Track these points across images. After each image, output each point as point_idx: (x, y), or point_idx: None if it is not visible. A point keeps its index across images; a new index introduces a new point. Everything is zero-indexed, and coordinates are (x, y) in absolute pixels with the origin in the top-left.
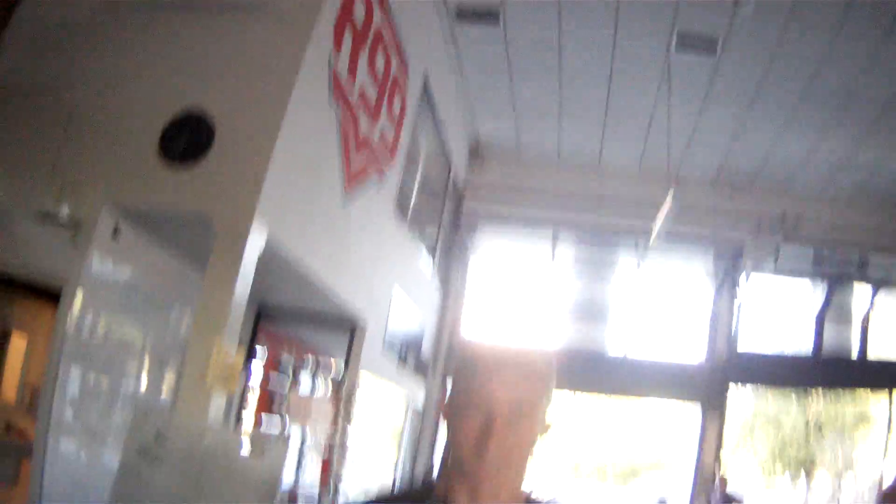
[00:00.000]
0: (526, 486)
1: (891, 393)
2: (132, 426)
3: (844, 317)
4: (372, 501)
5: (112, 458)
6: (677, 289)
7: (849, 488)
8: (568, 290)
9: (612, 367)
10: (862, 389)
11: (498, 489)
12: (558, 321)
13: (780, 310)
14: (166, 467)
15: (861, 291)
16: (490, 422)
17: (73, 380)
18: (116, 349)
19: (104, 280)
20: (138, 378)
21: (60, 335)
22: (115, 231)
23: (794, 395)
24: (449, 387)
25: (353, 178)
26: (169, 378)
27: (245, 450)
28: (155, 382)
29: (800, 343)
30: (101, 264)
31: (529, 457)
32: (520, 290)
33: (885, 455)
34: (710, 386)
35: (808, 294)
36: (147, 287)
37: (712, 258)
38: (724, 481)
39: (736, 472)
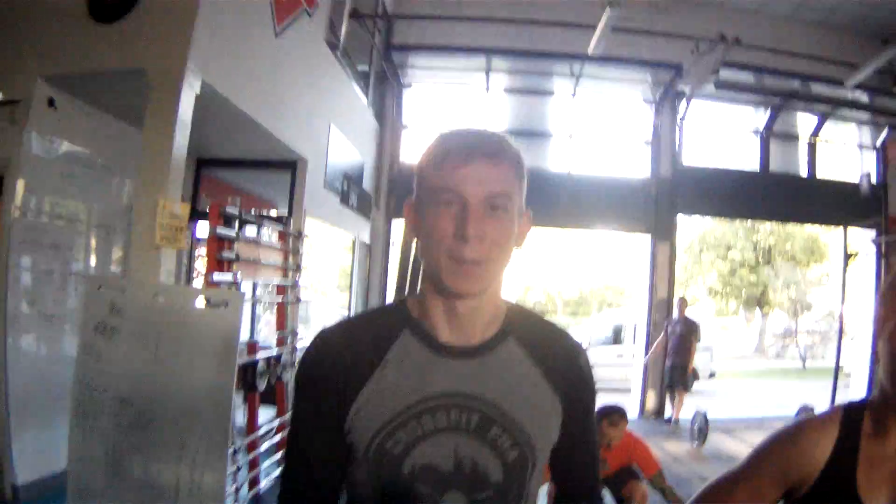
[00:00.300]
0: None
1: (845, 229)
2: (85, 303)
3: (790, 140)
4: (345, 319)
5: (72, 341)
6: (616, 112)
7: (803, 323)
8: (505, 115)
9: (557, 184)
10: (812, 222)
11: (481, 283)
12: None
13: (724, 134)
14: (124, 337)
15: (805, 119)
16: (466, 207)
17: (24, 267)
18: (65, 227)
19: (46, 155)
20: (89, 253)
21: (6, 222)
22: (51, 102)
23: (742, 223)
24: (414, 186)
25: (283, 12)
26: (119, 248)
27: (199, 304)
28: (105, 254)
29: (745, 164)
30: (41, 139)
31: (511, 246)
32: (455, 119)
33: (841, 292)
34: (658, 208)
35: (751, 119)
36: (89, 155)
37: (650, 81)
38: (683, 301)
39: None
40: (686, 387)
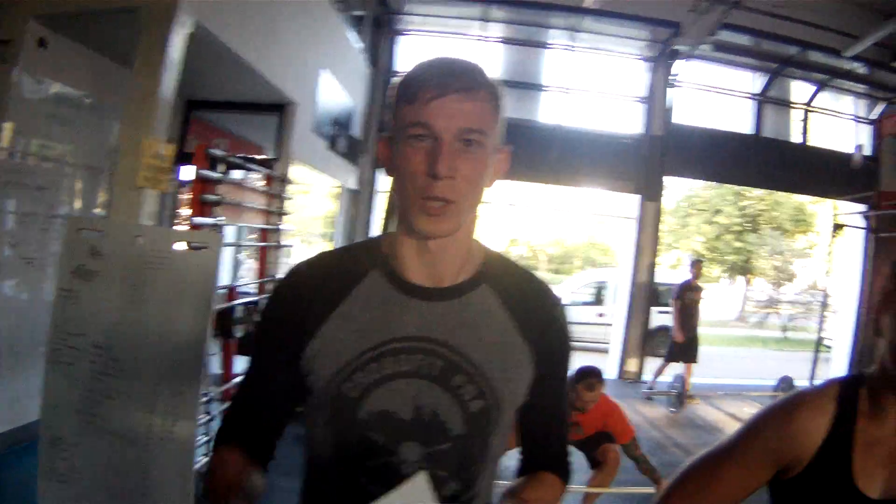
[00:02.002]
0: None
1: (834, 200)
2: (64, 245)
3: (785, 107)
4: (318, 254)
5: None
6: (611, 67)
7: (787, 293)
8: (499, 66)
9: (547, 138)
10: (801, 192)
11: (451, 223)
12: None
13: (718, 96)
14: (102, 280)
15: (801, 87)
16: (438, 143)
17: (8, 210)
18: (52, 168)
19: (35, 96)
20: (74, 195)
21: None
22: (41, 42)
23: (731, 188)
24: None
25: None
26: (105, 190)
27: (180, 247)
28: (91, 197)
29: (738, 128)
30: (31, 80)
31: (484, 185)
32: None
33: (827, 264)
34: (647, 168)
35: (747, 83)
36: (79, 95)
37: (647, 38)
38: (698, 265)
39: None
40: (696, 359)
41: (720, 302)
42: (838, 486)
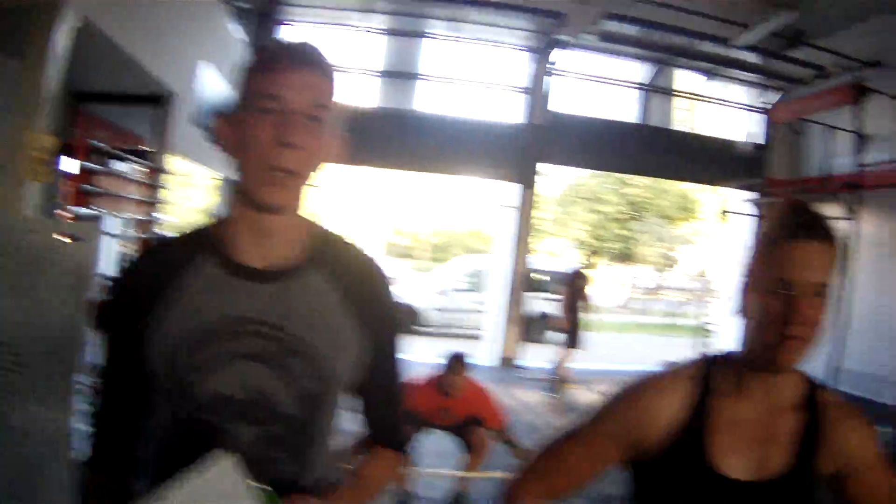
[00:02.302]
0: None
1: (718, 188)
2: None
3: (671, 95)
4: (147, 246)
5: None
6: (493, 57)
7: (671, 280)
8: (381, 56)
9: (426, 127)
10: (688, 180)
11: (293, 196)
12: (368, 82)
13: (603, 86)
14: None
15: (689, 76)
16: (289, 114)
17: None
18: None
19: None
20: None
21: None
22: None
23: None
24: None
25: None
26: None
27: (58, 236)
28: None
29: (623, 117)
30: None
31: (323, 163)
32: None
33: (711, 251)
34: (526, 156)
35: (633, 73)
36: None
37: (530, 28)
38: (589, 253)
39: (557, 252)
40: (580, 345)
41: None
42: (695, 467)
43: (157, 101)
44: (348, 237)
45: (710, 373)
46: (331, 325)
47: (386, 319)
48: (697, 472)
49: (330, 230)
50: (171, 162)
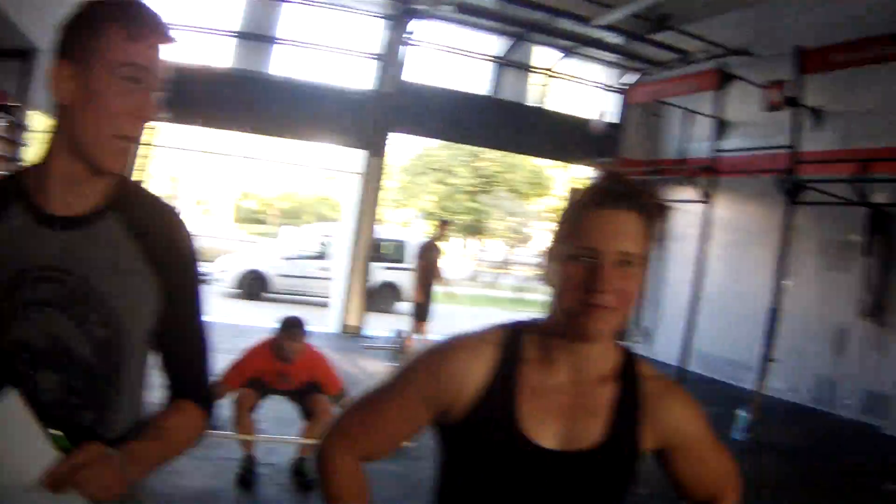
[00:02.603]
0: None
1: (572, 164)
2: None
3: (527, 71)
4: None
5: None
6: (347, 23)
7: (521, 254)
8: (236, 16)
9: (277, 91)
10: (541, 155)
11: (126, 156)
12: (221, 44)
13: (458, 57)
14: None
15: (546, 52)
16: (148, 81)
17: None
18: None
19: None
20: None
21: None
22: None
23: (466, 148)
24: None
25: None
26: None
27: None
28: None
29: (477, 90)
30: None
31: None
32: (186, 19)
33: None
34: (375, 124)
35: (489, 45)
36: None
37: None
38: (444, 225)
39: (405, 222)
40: (428, 317)
41: (452, 261)
42: (503, 433)
43: (22, 55)
44: (151, 188)
45: (516, 339)
46: (123, 271)
47: (182, 269)
48: (505, 439)
49: (134, 181)
50: (35, 118)
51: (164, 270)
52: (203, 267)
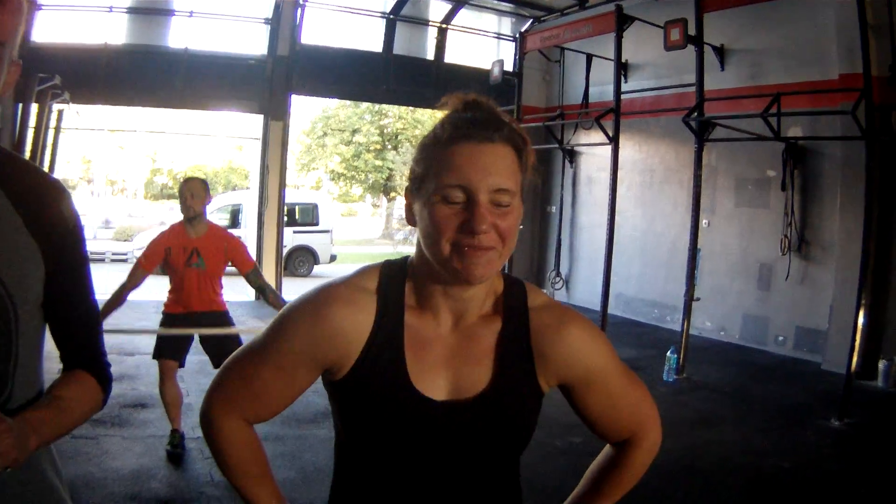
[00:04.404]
0: None
1: None
2: None
3: (421, 25)
4: None
5: None
6: None
7: None
8: None
9: (173, 62)
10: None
11: None
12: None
13: (351, 16)
14: None
15: (440, 5)
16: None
17: None
18: None
19: None
20: None
21: None
22: None
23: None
24: None
25: None
26: None
27: None
28: None
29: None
30: None
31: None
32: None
33: None
34: (272, 88)
35: (385, 4)
36: None
37: None
38: None
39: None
40: None
41: (363, 220)
42: (394, 388)
43: None
44: (26, 159)
45: (394, 285)
46: (8, 241)
47: (67, 239)
48: (396, 394)
49: (12, 152)
50: None
51: (48, 240)
52: (121, 245)
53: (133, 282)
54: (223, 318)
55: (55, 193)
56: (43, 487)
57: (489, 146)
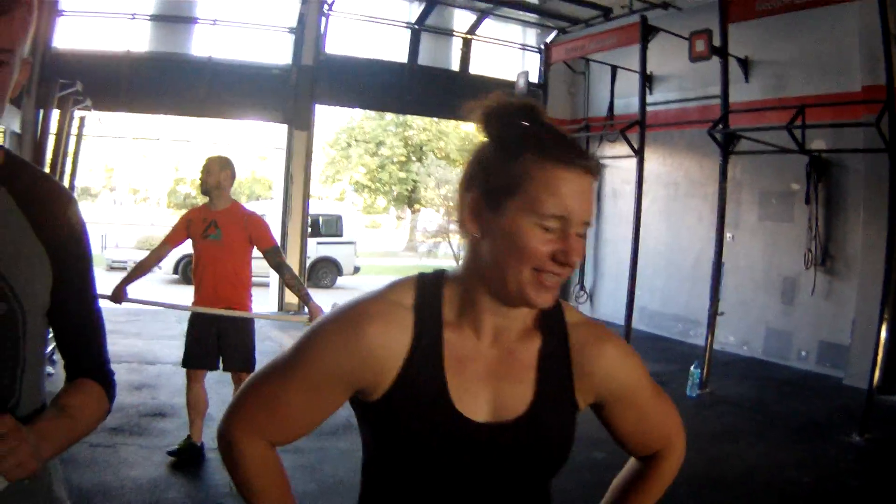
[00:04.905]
0: None
1: None
2: None
3: (446, 35)
4: None
5: None
6: None
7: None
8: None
9: (197, 71)
10: (465, 120)
11: None
12: (139, 26)
13: (376, 26)
14: None
15: (463, 15)
16: None
17: None
18: None
19: None
20: None
21: None
22: None
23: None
24: None
25: None
26: None
27: None
28: None
29: (396, 57)
30: None
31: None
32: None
33: None
34: (297, 97)
35: (409, 14)
36: None
37: None
38: None
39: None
40: None
41: (388, 232)
42: (434, 410)
43: None
44: (38, 167)
45: (432, 299)
46: (15, 246)
47: (73, 244)
48: (437, 416)
49: (23, 159)
50: None
51: (57, 247)
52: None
53: (158, 253)
54: (245, 325)
55: (64, 200)
56: (49, 499)
57: (587, 179)
